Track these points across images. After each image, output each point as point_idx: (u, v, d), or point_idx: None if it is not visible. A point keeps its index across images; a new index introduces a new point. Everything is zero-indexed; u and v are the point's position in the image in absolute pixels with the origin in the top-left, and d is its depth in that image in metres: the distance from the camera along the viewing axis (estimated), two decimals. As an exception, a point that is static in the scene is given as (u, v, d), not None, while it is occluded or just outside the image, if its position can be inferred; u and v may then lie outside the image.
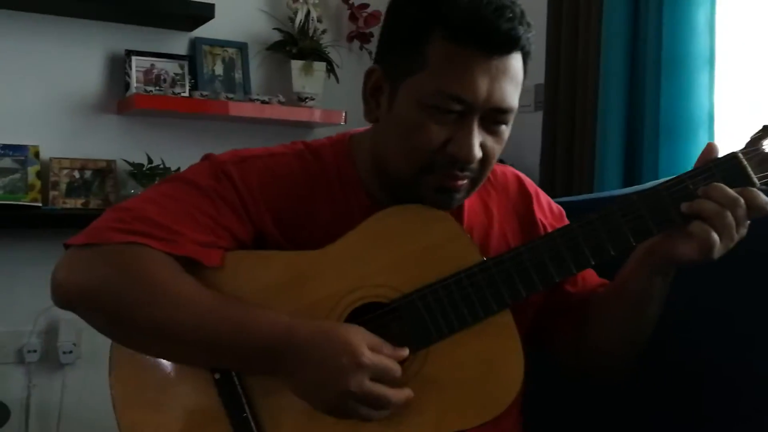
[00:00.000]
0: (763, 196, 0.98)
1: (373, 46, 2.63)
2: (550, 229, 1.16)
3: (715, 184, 0.98)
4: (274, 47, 2.57)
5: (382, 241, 1.04)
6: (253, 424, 1.00)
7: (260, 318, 0.97)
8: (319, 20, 2.58)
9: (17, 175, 2.23)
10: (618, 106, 2.03)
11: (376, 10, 2.63)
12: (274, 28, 2.58)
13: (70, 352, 2.28)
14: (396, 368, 0.96)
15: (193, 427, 1.02)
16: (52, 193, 2.27)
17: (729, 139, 1.95)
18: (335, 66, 2.62)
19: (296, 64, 2.54)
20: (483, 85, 0.96)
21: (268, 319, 0.97)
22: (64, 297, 1.00)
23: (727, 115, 1.95)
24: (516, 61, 0.99)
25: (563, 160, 2.21)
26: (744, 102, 1.96)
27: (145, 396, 1.03)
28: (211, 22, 2.41)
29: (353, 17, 2.65)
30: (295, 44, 2.54)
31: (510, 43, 0.97)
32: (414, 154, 1.00)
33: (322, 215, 1.08)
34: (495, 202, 1.17)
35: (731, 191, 0.97)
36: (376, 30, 2.64)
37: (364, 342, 0.95)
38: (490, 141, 1.01)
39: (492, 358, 1.00)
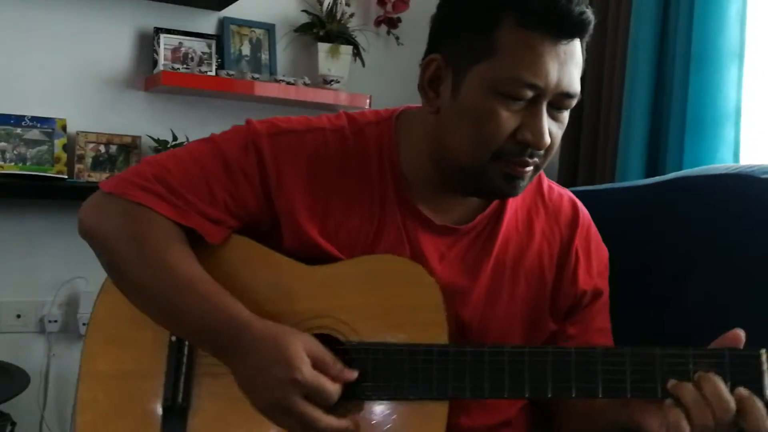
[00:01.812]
0: (763, 411, 0.87)
1: (400, 31, 2.64)
2: (583, 264, 1.14)
3: (713, 377, 0.88)
4: (302, 29, 2.58)
5: (366, 283, 1.04)
6: (181, 393, 1.05)
7: (224, 305, 1.00)
8: (347, 4, 2.58)
9: (44, 147, 2.26)
10: (643, 97, 2.01)
11: (405, -5, 2.62)
12: (302, 11, 2.59)
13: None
14: (331, 392, 0.96)
15: (133, 374, 1.08)
16: (78, 167, 2.30)
17: (756, 135, 1.93)
18: (362, 50, 2.62)
19: (323, 47, 2.55)
20: (554, 70, 0.96)
21: (229, 308, 1.00)
22: (81, 230, 1.09)
23: (755, 110, 1.93)
24: (579, 45, 1.00)
25: (587, 150, 2.19)
26: (773, 97, 1.94)
27: (114, 328, 1.11)
28: (240, 2, 2.42)
29: (381, 2, 2.65)
30: (322, 27, 2.55)
31: (581, 27, 0.98)
32: (485, 142, 0.99)
33: (354, 195, 1.09)
34: (542, 222, 1.16)
35: (726, 393, 0.87)
36: (403, 15, 2.64)
37: (306, 358, 0.95)
38: (554, 127, 1.01)
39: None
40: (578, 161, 2.22)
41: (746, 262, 1.19)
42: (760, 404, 0.87)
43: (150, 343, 1.08)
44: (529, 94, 0.97)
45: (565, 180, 2.22)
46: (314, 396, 0.95)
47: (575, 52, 0.99)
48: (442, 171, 1.06)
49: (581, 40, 1.00)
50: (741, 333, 0.91)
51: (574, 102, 1.01)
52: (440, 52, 1.03)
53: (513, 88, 0.96)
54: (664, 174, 1.87)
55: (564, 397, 0.96)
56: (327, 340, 1.02)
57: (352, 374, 0.98)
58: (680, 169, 1.88)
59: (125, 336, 1.10)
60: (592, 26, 0.99)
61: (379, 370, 0.99)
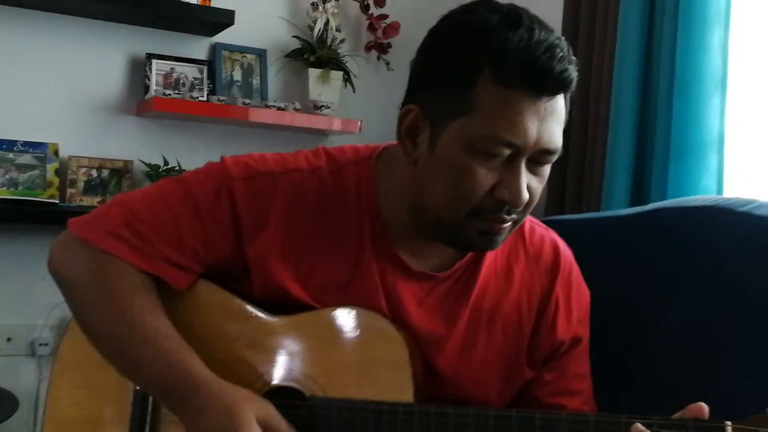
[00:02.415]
0: None
1: (391, 56, 2.67)
2: (562, 313, 1.13)
3: None
4: (293, 55, 2.61)
5: (332, 337, 1.04)
6: None
7: (182, 362, 0.99)
8: (338, 29, 2.61)
9: (36, 172, 2.27)
10: (629, 125, 2.04)
11: (395, 21, 2.65)
12: (293, 36, 2.62)
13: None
14: None
15: (98, 422, 1.08)
16: (70, 191, 2.32)
17: (739, 162, 1.96)
18: (352, 75, 2.65)
19: (313, 72, 2.57)
20: (533, 128, 0.93)
21: (188, 365, 0.99)
22: (50, 268, 1.11)
23: (738, 137, 1.96)
24: (561, 100, 0.96)
25: (573, 178, 2.22)
26: (755, 125, 1.96)
27: (79, 371, 1.10)
28: (232, 28, 2.45)
29: (372, 28, 2.68)
30: (313, 52, 2.57)
31: (563, 85, 0.94)
32: (461, 199, 0.97)
33: (330, 239, 1.07)
34: (521, 268, 1.13)
35: None
36: (394, 41, 2.67)
37: (256, 426, 0.93)
38: (534, 182, 0.98)
39: None
40: (565, 189, 2.24)
41: (722, 294, 1.21)
42: None
43: (114, 387, 1.08)
44: (507, 152, 0.94)
45: (552, 208, 2.24)
46: None
47: (556, 107, 0.95)
48: (420, 221, 1.04)
49: (564, 95, 0.97)
50: (705, 407, 0.90)
51: (554, 157, 0.98)
52: (418, 102, 1.00)
53: (490, 147, 0.94)
54: (649, 202, 1.90)
55: None
56: (291, 393, 1.02)
57: None
58: (665, 196, 1.90)
59: (90, 379, 1.09)
60: (574, 83, 0.96)
61: (344, 426, 0.98)
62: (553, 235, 1.19)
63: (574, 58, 0.95)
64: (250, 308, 1.07)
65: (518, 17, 0.94)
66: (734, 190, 1.88)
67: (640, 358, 1.28)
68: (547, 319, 1.13)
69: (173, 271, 1.05)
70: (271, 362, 1.04)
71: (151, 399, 1.06)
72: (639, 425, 0.89)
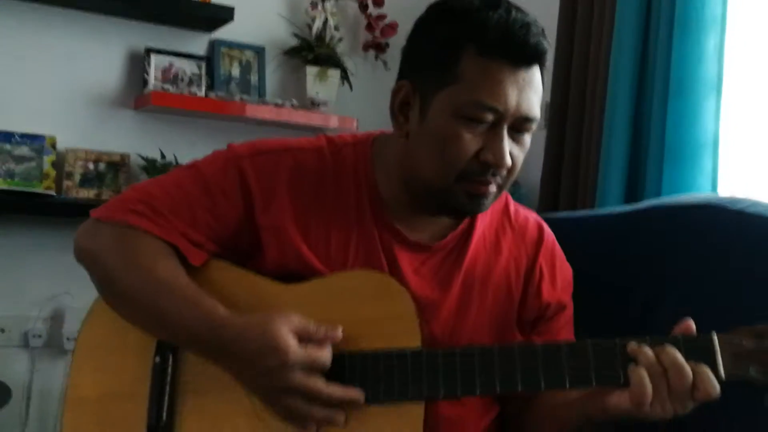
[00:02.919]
0: (715, 381, 0.94)
1: (388, 56, 2.68)
2: (547, 279, 1.21)
3: (671, 348, 0.95)
4: (291, 52, 2.62)
5: (340, 298, 1.09)
6: (165, 412, 1.08)
7: (204, 306, 1.04)
8: (336, 28, 2.63)
9: (33, 164, 2.28)
10: (623, 127, 2.05)
11: (393, 21, 2.67)
12: (292, 34, 2.63)
13: (75, 339, 2.31)
14: (324, 358, 1.00)
15: (117, 397, 1.11)
16: (66, 183, 2.32)
17: (733, 164, 1.98)
18: (349, 74, 2.66)
19: (311, 70, 2.59)
20: (513, 95, 1.03)
21: (209, 307, 1.04)
22: (76, 254, 1.16)
23: (732, 140, 1.98)
24: (537, 72, 1.07)
25: (568, 177, 2.23)
26: (749, 128, 1.98)
27: (100, 354, 1.14)
28: (231, 24, 2.46)
29: (370, 27, 2.69)
30: (311, 50, 2.59)
31: (537, 55, 1.05)
32: (449, 164, 1.06)
33: (332, 212, 1.14)
34: (509, 242, 1.22)
35: (684, 362, 0.94)
36: (392, 41, 2.68)
37: (292, 337, 0.99)
38: (515, 149, 1.07)
39: None
40: (560, 188, 2.26)
41: (715, 290, 1.22)
42: (712, 375, 0.94)
43: (133, 367, 1.11)
44: (490, 117, 1.03)
45: (547, 206, 2.26)
46: (310, 367, 0.99)
47: (533, 79, 1.05)
48: (412, 192, 1.13)
49: (540, 69, 1.07)
50: (692, 323, 0.99)
51: (533, 125, 1.07)
52: (409, 78, 1.10)
53: (474, 112, 1.03)
54: (642, 199, 1.92)
55: (533, 390, 1.00)
56: None
57: (337, 333, 1.03)
58: (659, 197, 1.92)
59: (109, 362, 1.13)
60: (547, 55, 1.06)
61: (355, 376, 1.03)
62: (536, 215, 1.29)
63: (545, 35, 1.06)
64: (261, 279, 1.12)
65: (497, 0, 1.06)
66: (728, 193, 1.89)
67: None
68: (533, 285, 1.21)
69: (189, 246, 1.11)
70: None
71: (170, 371, 1.09)
72: (633, 343, 0.98)
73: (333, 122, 2.60)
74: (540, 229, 1.25)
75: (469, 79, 1.03)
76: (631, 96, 2.06)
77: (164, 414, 1.07)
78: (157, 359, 1.10)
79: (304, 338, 1.00)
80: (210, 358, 1.06)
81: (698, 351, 0.96)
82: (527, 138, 1.09)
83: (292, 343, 0.98)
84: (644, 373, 0.95)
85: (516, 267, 1.21)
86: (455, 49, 1.04)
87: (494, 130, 1.04)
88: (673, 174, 1.93)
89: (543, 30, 1.06)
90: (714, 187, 1.93)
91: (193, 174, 1.14)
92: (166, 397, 1.08)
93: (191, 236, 1.11)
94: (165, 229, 1.10)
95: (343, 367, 1.03)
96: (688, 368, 0.94)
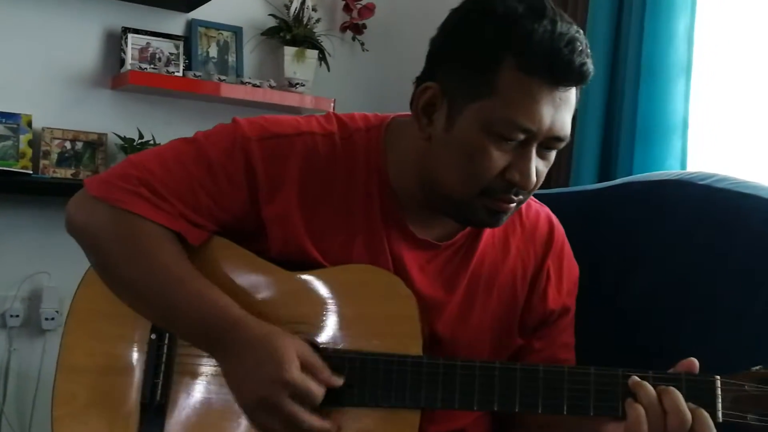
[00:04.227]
0: (713, 427, 0.92)
1: (366, 37, 2.70)
2: (553, 284, 1.18)
3: (673, 390, 0.93)
4: (269, 33, 2.63)
5: (345, 292, 1.06)
6: (159, 391, 1.07)
7: (217, 301, 1.03)
8: (314, 9, 2.64)
9: (9, 142, 2.26)
10: (596, 108, 2.10)
11: (370, 2, 2.69)
12: (269, 14, 2.64)
13: (53, 318, 2.32)
14: (317, 394, 0.98)
15: (112, 370, 1.10)
16: (43, 162, 2.31)
17: (702, 145, 2.03)
18: (327, 54, 2.68)
19: (289, 51, 2.60)
20: (548, 116, 0.97)
21: (222, 304, 1.03)
22: (70, 228, 1.12)
23: (701, 122, 2.03)
24: (575, 91, 1.01)
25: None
26: (718, 110, 2.04)
27: (94, 323, 1.12)
28: (208, 4, 2.46)
29: (347, 8, 2.71)
30: (289, 31, 2.60)
31: (581, 78, 0.99)
32: (474, 178, 1.01)
33: (340, 203, 1.10)
34: (518, 240, 1.18)
35: (684, 406, 0.92)
36: (369, 22, 2.70)
37: (296, 360, 0.97)
38: (541, 165, 1.03)
39: None
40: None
41: (685, 261, 1.27)
42: (710, 422, 0.92)
43: (129, 339, 1.10)
44: (521, 137, 0.98)
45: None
46: (301, 397, 0.97)
47: (570, 98, 1.00)
48: (428, 194, 1.08)
49: (577, 88, 1.01)
50: (695, 362, 0.97)
51: (563, 144, 1.03)
52: (437, 80, 1.03)
53: (507, 130, 0.98)
54: (614, 178, 1.96)
55: (531, 412, 0.99)
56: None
57: (339, 381, 1.00)
58: (631, 174, 1.96)
59: (105, 331, 1.11)
60: (591, 77, 0.99)
61: (355, 377, 1.02)
62: (547, 211, 1.24)
63: (590, 51, 0.99)
64: (264, 263, 1.09)
65: (543, 8, 0.98)
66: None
67: (606, 323, 1.33)
68: (539, 289, 1.18)
69: (189, 227, 1.07)
70: (285, 315, 1.06)
71: (165, 349, 1.08)
72: (636, 377, 0.95)
73: (308, 102, 2.61)
74: (551, 228, 1.21)
75: (505, 95, 0.97)
76: (605, 78, 2.11)
77: (158, 394, 1.07)
78: (153, 336, 1.09)
79: (306, 369, 0.98)
80: (207, 351, 1.05)
81: (699, 392, 0.94)
82: (553, 155, 1.04)
83: (295, 363, 0.97)
84: (642, 412, 0.93)
85: (523, 268, 1.18)
86: (494, 60, 0.97)
87: (524, 148, 0.99)
88: (644, 154, 1.99)
89: (587, 45, 0.99)
90: (683, 167, 1.98)
91: (196, 152, 1.08)
92: (161, 376, 1.07)
93: (192, 218, 1.07)
94: (167, 215, 1.06)
95: (342, 367, 1.01)
96: (688, 414, 0.92)
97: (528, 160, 0.99)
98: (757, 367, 0.95)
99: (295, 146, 1.09)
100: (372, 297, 1.06)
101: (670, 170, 1.92)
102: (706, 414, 0.92)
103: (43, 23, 2.34)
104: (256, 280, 1.08)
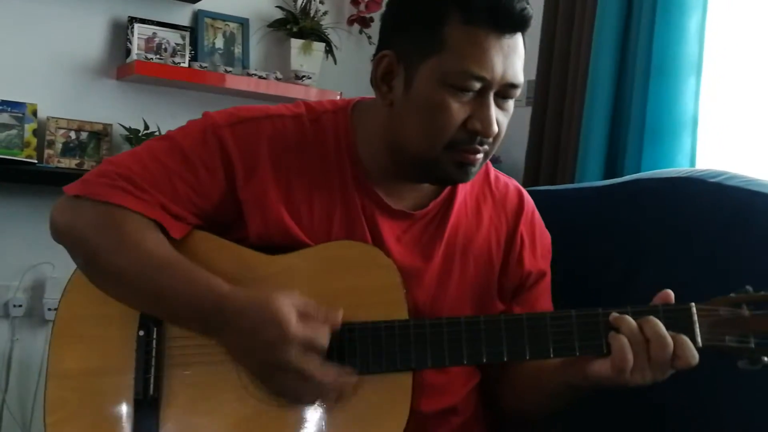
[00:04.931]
0: (694, 350, 0.96)
1: (372, 30, 2.69)
2: (528, 248, 1.21)
3: (653, 319, 0.97)
4: (275, 25, 2.62)
5: (327, 268, 1.08)
6: (152, 385, 1.06)
7: (205, 279, 1.03)
8: (321, 2, 2.63)
9: (14, 131, 2.26)
10: (604, 105, 2.08)
11: (378, -4, 2.68)
12: (276, 6, 2.63)
13: (56, 309, 2.30)
14: (322, 337, 0.99)
15: (102, 371, 1.09)
16: (48, 152, 2.31)
17: (711, 143, 2.02)
18: (334, 47, 2.66)
19: (296, 43, 2.59)
20: (499, 63, 1.02)
21: (210, 281, 1.03)
22: (54, 232, 1.11)
23: (711, 119, 2.01)
24: (521, 38, 1.06)
25: (549, 153, 2.26)
26: (728, 108, 2.02)
27: (79, 327, 1.11)
28: (215, -5, 2.46)
29: (355, 1, 2.69)
30: (296, 23, 2.59)
31: (522, 22, 1.04)
32: (437, 133, 1.05)
33: (314, 180, 1.12)
34: (489, 209, 1.22)
35: (665, 331, 0.96)
36: (376, 15, 2.68)
37: (293, 312, 0.98)
38: (501, 116, 1.07)
39: (377, 412, 1.03)
40: (541, 163, 2.29)
41: (692, 260, 1.25)
42: (691, 345, 0.96)
43: (117, 339, 1.09)
44: (477, 85, 1.03)
45: (528, 180, 2.29)
46: (307, 346, 0.98)
47: (518, 45, 1.05)
48: (397, 160, 1.11)
49: (523, 34, 1.06)
50: (671, 293, 1.01)
51: (518, 91, 1.07)
52: (391, 48, 1.08)
53: (462, 81, 1.02)
54: (621, 176, 1.95)
55: (519, 359, 1.02)
56: None
57: (337, 316, 1.01)
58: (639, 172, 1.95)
59: (92, 333, 1.10)
60: (531, 20, 1.05)
61: (345, 349, 1.03)
62: (515, 182, 1.28)
63: (556, 14, 1.04)
64: (245, 250, 1.10)
65: None
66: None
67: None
68: (514, 254, 1.22)
69: (169, 219, 1.08)
70: None
71: (154, 344, 1.08)
72: (615, 313, 1.00)
73: (313, 95, 2.60)
74: (520, 197, 1.25)
75: (454, 48, 1.02)
76: (613, 75, 2.09)
77: (151, 388, 1.06)
78: (141, 333, 1.08)
79: (304, 316, 0.99)
80: (207, 333, 1.04)
81: (677, 321, 0.98)
82: (511, 104, 1.09)
83: (293, 318, 0.97)
84: (625, 341, 0.96)
85: (497, 235, 1.21)
86: (439, 18, 1.03)
87: (481, 98, 1.04)
88: (653, 152, 1.97)
89: None
90: (692, 164, 1.97)
91: (169, 146, 1.11)
92: (152, 370, 1.07)
93: (172, 209, 1.08)
94: (149, 205, 1.07)
95: (332, 339, 1.01)
96: (669, 338, 0.95)
97: (487, 107, 1.04)
98: (731, 294, 0.99)
99: (265, 128, 1.12)
100: (354, 270, 1.07)
101: (680, 167, 1.91)
102: (686, 338, 0.96)
103: (49, 12, 2.33)
104: (239, 267, 1.08)
